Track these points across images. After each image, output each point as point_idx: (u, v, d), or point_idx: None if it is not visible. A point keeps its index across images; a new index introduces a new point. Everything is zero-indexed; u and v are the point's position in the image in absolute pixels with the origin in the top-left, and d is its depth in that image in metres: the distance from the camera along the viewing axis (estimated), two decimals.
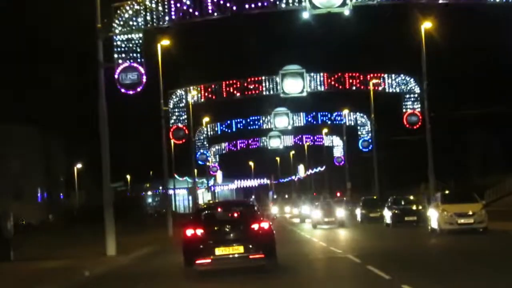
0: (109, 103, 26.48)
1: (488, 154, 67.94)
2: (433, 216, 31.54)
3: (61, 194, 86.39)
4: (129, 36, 27.19)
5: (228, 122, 67.42)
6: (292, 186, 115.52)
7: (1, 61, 73.59)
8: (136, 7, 27.40)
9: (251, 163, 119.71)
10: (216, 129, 67.92)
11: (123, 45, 27.06)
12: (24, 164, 71.17)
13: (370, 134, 61.98)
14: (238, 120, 67.01)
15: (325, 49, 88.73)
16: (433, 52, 43.75)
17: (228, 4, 27.52)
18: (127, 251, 26.80)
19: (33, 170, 74.03)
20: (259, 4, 27.57)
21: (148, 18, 27.49)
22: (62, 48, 75.23)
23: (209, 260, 17.80)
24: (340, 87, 53.76)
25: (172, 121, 51.91)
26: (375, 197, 54.21)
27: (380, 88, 53.93)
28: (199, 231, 17.97)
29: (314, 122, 68.35)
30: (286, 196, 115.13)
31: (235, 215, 19.71)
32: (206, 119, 65.84)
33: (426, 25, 41.39)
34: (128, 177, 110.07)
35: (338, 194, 75.55)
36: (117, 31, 27.05)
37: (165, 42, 40.61)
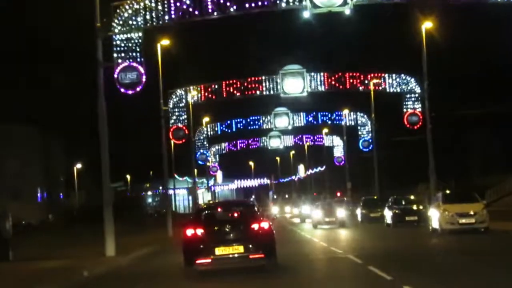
0: (109, 103, 26.38)
1: (488, 154, 67.83)
2: (434, 216, 31.43)
3: (61, 194, 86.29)
4: (129, 35, 27.03)
5: (228, 122, 67.33)
6: (292, 186, 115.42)
7: (1, 61, 73.52)
8: (136, 6, 27.24)
9: (251, 163, 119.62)
10: (216, 129, 67.82)
11: (122, 45, 26.91)
12: (24, 164, 71.08)
13: (370, 134, 61.87)
14: (238, 120, 66.92)
15: (325, 49, 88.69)
16: (433, 52, 43.66)
17: (228, 4, 27.38)
18: (126, 251, 26.70)
19: (33, 170, 73.93)
20: (259, 3, 27.42)
21: (148, 17, 27.34)
22: (62, 48, 75.23)
23: (209, 260, 17.86)
24: (341, 87, 53.62)
25: (172, 121, 51.78)
26: (375, 197, 54.10)
27: (380, 88, 53.79)
28: (199, 231, 18.02)
29: (314, 122, 68.28)
30: (286, 196, 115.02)
31: (235, 215, 19.72)
32: (206, 119, 65.74)
33: (427, 24, 41.28)
34: (128, 177, 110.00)
35: (338, 194, 75.44)
36: (116, 30, 26.90)
37: (165, 41, 40.51)
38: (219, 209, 20.56)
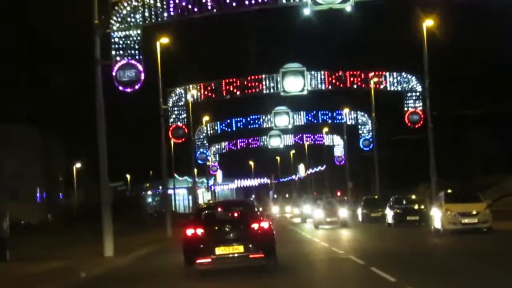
0: (108, 102, 26.18)
1: (488, 154, 67.62)
2: (437, 216, 31.12)
3: (61, 194, 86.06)
4: (127, 32, 26.77)
5: (228, 121, 67.09)
6: (293, 185, 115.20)
7: (1, 61, 73.32)
8: (134, 3, 26.96)
9: (251, 163, 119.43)
10: (216, 128, 67.56)
11: (121, 42, 26.65)
12: (24, 164, 70.91)
13: (371, 133, 61.62)
14: (238, 119, 66.69)
15: (326, 47, 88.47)
16: (434, 50, 43.41)
17: (227, 0, 27.08)
18: (125, 251, 26.55)
19: (32, 170, 73.76)
20: (259, 0, 27.13)
21: (147, 14, 27.08)
22: (62, 48, 75.03)
23: (209, 260, 17.94)
24: (341, 85, 53.36)
25: (172, 120, 51.47)
26: (376, 197, 53.81)
27: (381, 87, 53.50)
28: (199, 231, 18.11)
29: (315, 121, 68.06)
30: (287, 195, 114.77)
31: (235, 214, 19.77)
32: (206, 118, 65.52)
33: (428, 23, 41.06)
34: (128, 176, 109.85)
35: (339, 194, 75.20)
36: (114, 28, 26.62)
37: (164, 39, 40.26)
38: (219, 209, 20.58)
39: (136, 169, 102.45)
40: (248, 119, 66.72)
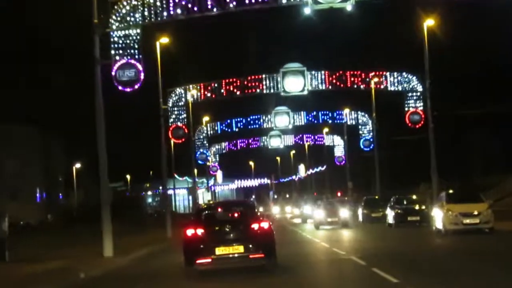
0: (108, 102, 26.05)
1: (488, 154, 67.53)
2: (438, 216, 30.98)
3: (60, 194, 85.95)
4: (127, 32, 26.64)
5: (228, 121, 66.94)
6: (293, 186, 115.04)
7: (1, 61, 73.26)
8: (134, 2, 26.81)
9: (251, 163, 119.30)
10: (216, 128, 67.41)
11: (120, 42, 26.50)
12: (24, 164, 70.87)
13: (371, 133, 61.48)
14: (238, 119, 66.54)
15: (326, 47, 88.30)
16: (435, 50, 43.28)
17: (227, 0, 26.93)
18: (125, 251, 26.47)
19: (32, 170, 73.73)
20: None
21: (146, 13, 26.93)
22: (62, 48, 74.95)
23: (209, 260, 18.00)
24: (342, 85, 53.21)
25: (172, 120, 51.30)
26: (377, 197, 53.67)
27: (382, 87, 53.34)
28: (200, 231, 18.18)
29: (315, 121, 67.93)
30: (287, 196, 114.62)
31: (235, 215, 19.80)
32: (206, 118, 65.37)
33: (429, 22, 40.91)
34: (128, 177, 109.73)
35: (339, 194, 75.05)
36: (114, 27, 26.49)
37: (164, 39, 40.11)
38: (219, 209, 20.65)
39: (136, 169, 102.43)
40: (248, 119, 66.58)
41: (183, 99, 52.92)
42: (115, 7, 26.65)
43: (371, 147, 61.94)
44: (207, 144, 69.11)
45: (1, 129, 68.90)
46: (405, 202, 41.84)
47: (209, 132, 67.68)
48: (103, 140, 25.91)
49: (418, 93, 50.11)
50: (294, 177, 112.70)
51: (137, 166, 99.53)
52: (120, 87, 26.64)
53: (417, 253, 22.96)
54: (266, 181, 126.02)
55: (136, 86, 26.65)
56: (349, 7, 27.20)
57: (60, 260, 23.89)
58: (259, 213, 19.67)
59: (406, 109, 49.88)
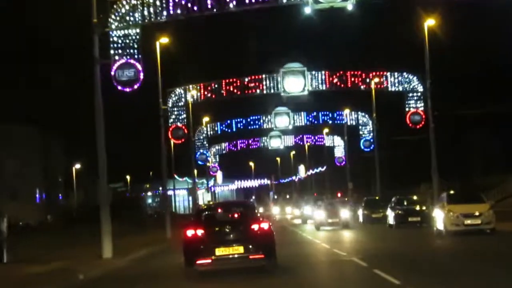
0: (107, 102, 25.91)
1: (488, 154, 67.45)
2: (439, 217, 30.81)
3: (60, 194, 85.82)
4: (126, 31, 26.49)
5: (228, 121, 66.81)
6: (293, 186, 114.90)
7: (1, 61, 73.22)
8: (133, 1, 26.65)
9: (251, 164, 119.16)
10: (216, 128, 67.29)
11: (119, 41, 26.35)
12: (23, 164, 70.79)
13: (371, 134, 61.33)
14: (238, 119, 66.41)
15: (326, 47, 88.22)
16: (435, 50, 43.17)
17: None
18: (124, 252, 26.36)
19: (32, 170, 73.68)
20: None
21: (146, 13, 26.79)
22: (62, 48, 74.93)
23: (209, 261, 18.04)
24: (342, 85, 53.06)
25: (171, 120, 51.15)
26: (377, 198, 53.52)
27: (382, 87, 53.18)
28: (200, 232, 18.22)
29: (315, 122, 67.81)
30: (287, 196, 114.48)
31: (235, 215, 19.86)
32: (206, 119, 65.23)
33: (430, 22, 40.76)
34: (128, 177, 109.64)
35: (339, 195, 74.91)
36: (113, 27, 26.33)
37: (164, 39, 39.98)
38: (219, 210, 20.71)
39: (136, 170, 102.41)
40: (248, 119, 66.44)
41: (183, 99, 52.76)
42: (115, 6, 26.51)
43: (371, 147, 61.81)
44: (207, 145, 68.97)
45: (1, 129, 68.84)
46: (405, 203, 41.67)
47: (209, 133, 67.55)
48: (103, 140, 25.78)
49: (419, 93, 49.98)
50: (294, 177, 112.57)
51: (137, 167, 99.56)
52: (119, 87, 26.50)
53: (418, 254, 22.79)
54: (266, 181, 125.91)
55: (136, 86, 26.51)
56: (349, 6, 27.06)
57: (59, 261, 23.76)
58: (259, 214, 19.61)
59: (407, 109, 49.75)
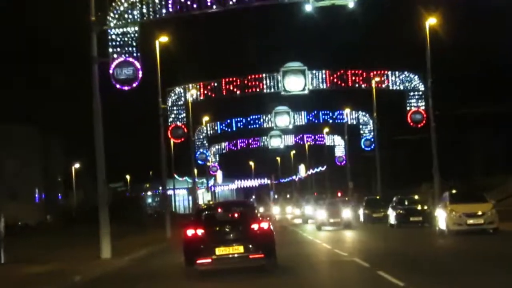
0: (106, 102, 25.71)
1: (489, 154, 67.28)
2: (441, 217, 30.60)
3: (59, 194, 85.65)
4: (125, 29, 26.24)
5: (228, 121, 66.65)
6: (293, 186, 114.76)
7: (1, 61, 73.02)
8: None
9: (251, 163, 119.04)
10: (216, 128, 67.12)
11: (118, 39, 26.11)
12: (23, 164, 70.63)
13: (372, 133, 61.14)
14: (238, 119, 66.26)
15: (327, 46, 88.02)
16: (436, 49, 42.99)
17: None
18: (124, 252, 26.27)
19: (31, 170, 73.54)
20: None
21: (145, 10, 26.56)
22: (62, 48, 74.82)
23: (209, 260, 18.09)
24: (343, 84, 52.87)
25: (171, 119, 50.92)
26: (378, 197, 53.31)
27: (383, 86, 52.97)
28: (200, 231, 18.27)
29: (316, 121, 67.66)
30: (288, 196, 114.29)
31: (235, 215, 19.84)
32: (205, 118, 65.06)
33: (431, 21, 40.56)
34: (128, 177, 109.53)
35: (339, 194, 74.70)
36: (112, 24, 26.10)
37: (163, 37, 39.78)
38: (219, 210, 20.70)
39: (136, 169, 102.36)
40: (249, 119, 66.29)
41: (182, 98, 52.56)
42: (113, 4, 26.28)
43: (372, 146, 61.66)
44: (207, 144, 68.82)
45: (1, 129, 68.71)
46: (407, 203, 41.50)
47: (209, 132, 67.38)
48: (101, 140, 25.59)
49: (420, 92, 49.81)
50: (294, 177, 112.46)
51: (136, 166, 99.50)
52: (118, 86, 26.27)
53: (422, 255, 22.56)
54: (266, 181, 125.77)
55: (134, 85, 26.28)
56: (351, 4, 26.84)
57: (57, 261, 23.65)
58: (259, 214, 19.63)
59: (408, 108, 49.55)
